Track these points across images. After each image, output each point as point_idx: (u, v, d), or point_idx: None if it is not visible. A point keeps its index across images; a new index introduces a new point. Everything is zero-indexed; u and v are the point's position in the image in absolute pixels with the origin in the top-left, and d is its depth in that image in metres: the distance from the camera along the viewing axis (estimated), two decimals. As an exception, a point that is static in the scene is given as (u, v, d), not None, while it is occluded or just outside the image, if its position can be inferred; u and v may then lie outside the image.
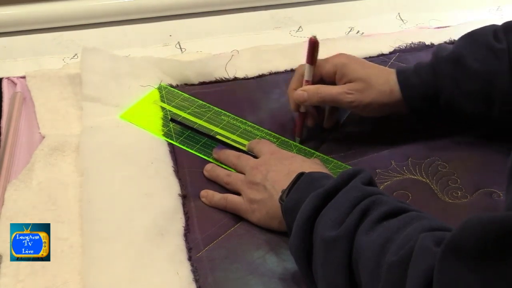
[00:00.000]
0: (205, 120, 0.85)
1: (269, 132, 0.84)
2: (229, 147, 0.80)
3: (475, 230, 0.46)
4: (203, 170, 0.79)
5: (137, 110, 0.86)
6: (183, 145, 0.81)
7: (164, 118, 0.85)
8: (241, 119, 0.86)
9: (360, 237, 0.58)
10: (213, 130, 0.84)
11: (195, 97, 0.89)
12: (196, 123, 0.84)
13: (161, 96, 0.88)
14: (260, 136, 0.83)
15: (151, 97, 0.88)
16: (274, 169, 0.72)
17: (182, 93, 0.88)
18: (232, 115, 0.86)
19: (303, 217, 0.62)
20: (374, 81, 0.79)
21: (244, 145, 0.81)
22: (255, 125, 0.85)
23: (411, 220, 0.58)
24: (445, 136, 0.84)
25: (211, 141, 0.81)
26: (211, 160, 0.80)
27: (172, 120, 0.83)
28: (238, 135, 0.83)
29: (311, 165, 0.73)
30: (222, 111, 0.86)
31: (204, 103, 0.87)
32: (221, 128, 0.84)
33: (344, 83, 0.79)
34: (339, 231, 0.59)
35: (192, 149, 0.81)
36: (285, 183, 0.68)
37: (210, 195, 0.75)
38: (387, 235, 0.57)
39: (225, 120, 0.85)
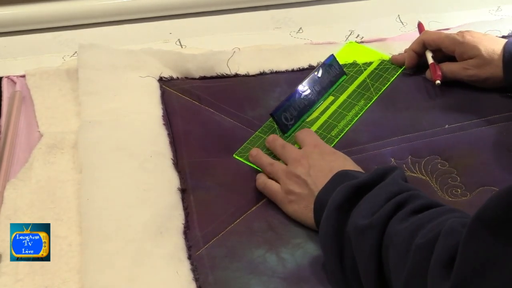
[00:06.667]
0: None
1: None
2: None
3: (501, 200, 0.47)
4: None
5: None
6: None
7: None
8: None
9: (392, 226, 0.59)
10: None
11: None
12: None
13: None
14: None
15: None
16: (316, 164, 0.72)
17: None
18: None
19: (334, 205, 0.64)
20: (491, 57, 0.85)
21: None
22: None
23: (445, 211, 0.59)
24: (446, 134, 0.84)
25: None
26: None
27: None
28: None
29: (353, 164, 0.74)
30: None
31: None
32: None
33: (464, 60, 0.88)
34: (372, 220, 0.61)
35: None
36: (326, 180, 0.69)
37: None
38: (419, 223, 0.58)
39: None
